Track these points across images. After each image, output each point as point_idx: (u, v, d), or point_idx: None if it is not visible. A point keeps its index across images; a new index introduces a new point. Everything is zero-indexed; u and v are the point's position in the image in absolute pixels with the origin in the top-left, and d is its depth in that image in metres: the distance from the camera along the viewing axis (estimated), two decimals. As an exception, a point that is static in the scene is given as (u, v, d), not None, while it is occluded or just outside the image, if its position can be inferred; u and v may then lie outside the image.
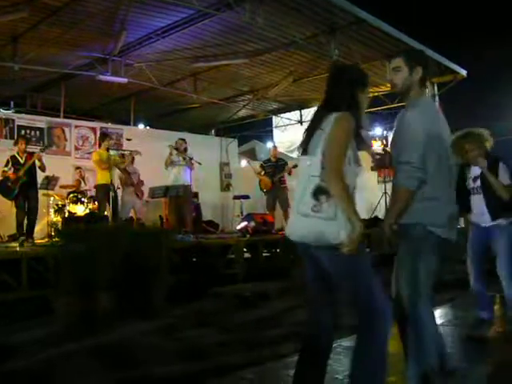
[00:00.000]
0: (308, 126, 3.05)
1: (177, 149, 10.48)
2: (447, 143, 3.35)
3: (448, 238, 3.27)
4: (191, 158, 10.69)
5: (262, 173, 12.10)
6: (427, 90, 15.98)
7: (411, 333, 3.26)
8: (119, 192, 10.95)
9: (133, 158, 11.11)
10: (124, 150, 10.64)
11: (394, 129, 3.53)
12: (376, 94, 15.61)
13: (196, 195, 12.83)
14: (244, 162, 17.60)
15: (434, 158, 3.20)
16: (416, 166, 3.14)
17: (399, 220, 3.26)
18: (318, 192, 2.75)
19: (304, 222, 2.80)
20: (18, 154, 9.60)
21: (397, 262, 3.40)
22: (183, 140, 10.76)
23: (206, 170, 12.51)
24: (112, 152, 10.14)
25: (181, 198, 10.47)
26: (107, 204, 9.75)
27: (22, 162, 9.51)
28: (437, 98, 15.97)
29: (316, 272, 2.96)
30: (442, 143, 3.27)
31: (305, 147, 2.99)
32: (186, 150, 10.67)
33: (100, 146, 10.84)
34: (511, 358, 4.46)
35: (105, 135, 10.77)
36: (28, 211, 9.48)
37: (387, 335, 2.81)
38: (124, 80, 12.57)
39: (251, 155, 18.92)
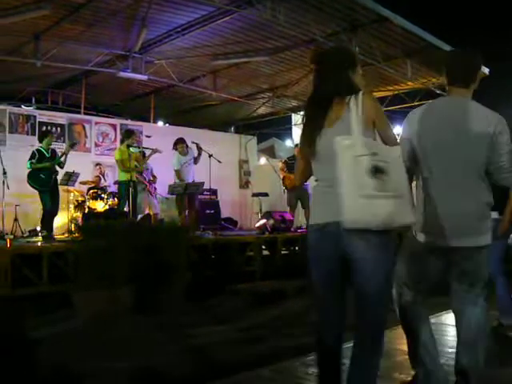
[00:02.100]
0: (314, 116, 2.85)
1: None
2: None
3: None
4: (210, 155, 10.78)
5: (286, 170, 12.06)
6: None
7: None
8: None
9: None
10: (145, 148, 10.65)
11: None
12: (396, 92, 15.52)
13: (215, 192, 12.85)
14: (263, 160, 17.59)
15: None
16: None
17: None
18: (376, 171, 2.56)
19: (368, 204, 2.54)
20: (43, 148, 9.68)
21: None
22: (183, 141, 10.92)
23: (225, 168, 12.51)
24: (132, 149, 10.18)
25: (195, 195, 10.59)
26: (127, 201, 9.81)
27: (47, 155, 9.60)
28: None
29: (337, 266, 2.75)
30: None
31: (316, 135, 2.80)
32: (188, 146, 10.80)
33: (122, 142, 10.82)
34: None
35: (131, 132, 10.70)
36: (52, 206, 9.54)
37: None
38: (144, 77, 12.62)
39: (270, 153, 18.90)
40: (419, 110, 3.35)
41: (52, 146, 9.98)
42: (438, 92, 15.16)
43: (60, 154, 9.82)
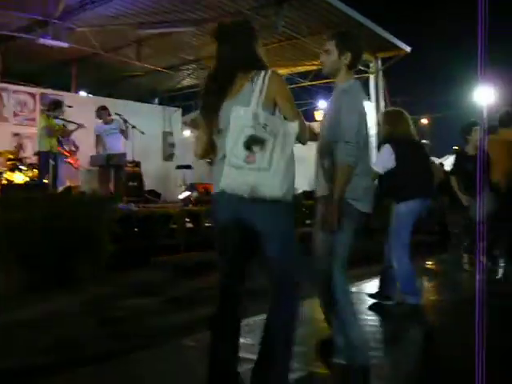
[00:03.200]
0: (218, 89, 2.84)
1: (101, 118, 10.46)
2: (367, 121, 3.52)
3: (365, 211, 3.44)
4: (133, 127, 10.63)
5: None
6: (371, 65, 16.32)
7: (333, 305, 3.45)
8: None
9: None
10: (70, 122, 10.34)
11: (327, 110, 3.64)
12: (321, 66, 15.71)
13: (138, 164, 12.71)
14: (187, 132, 17.49)
15: (363, 136, 3.36)
16: (354, 145, 3.26)
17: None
18: (252, 142, 2.63)
19: (237, 174, 2.65)
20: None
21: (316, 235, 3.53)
22: (103, 108, 10.67)
23: (148, 140, 12.38)
24: (57, 121, 9.89)
25: (120, 167, 10.44)
26: (47, 172, 9.56)
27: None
28: (380, 73, 16.25)
29: (239, 233, 2.83)
30: (366, 122, 3.46)
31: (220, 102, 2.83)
32: (110, 114, 10.60)
33: (49, 112, 10.39)
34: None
35: (58, 104, 10.31)
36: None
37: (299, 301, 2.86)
38: (65, 44, 12.26)
39: (195, 125, 18.79)
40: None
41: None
42: (361, 68, 15.48)
43: None
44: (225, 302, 2.94)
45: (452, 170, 7.09)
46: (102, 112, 10.53)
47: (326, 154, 3.45)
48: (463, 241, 7.06)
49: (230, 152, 2.66)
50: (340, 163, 3.30)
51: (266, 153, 2.65)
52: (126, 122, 10.55)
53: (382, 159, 5.11)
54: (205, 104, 2.92)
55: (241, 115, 2.66)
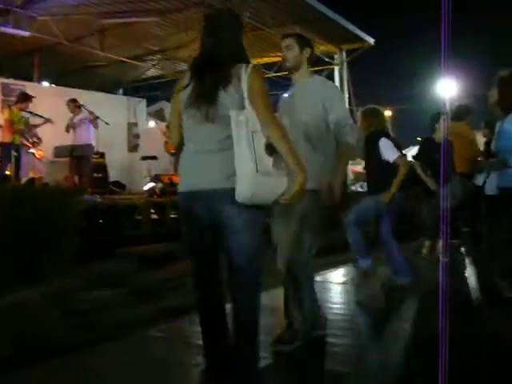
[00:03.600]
0: (204, 78, 2.80)
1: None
2: None
3: None
4: (97, 117, 10.54)
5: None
6: (336, 56, 16.43)
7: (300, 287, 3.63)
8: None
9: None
10: (38, 115, 10.20)
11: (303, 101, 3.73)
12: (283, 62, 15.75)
13: (102, 155, 12.59)
14: (152, 123, 17.38)
15: None
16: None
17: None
18: (272, 148, 2.69)
19: (268, 181, 2.67)
20: None
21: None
22: (73, 100, 10.60)
23: (112, 131, 12.28)
24: (23, 114, 9.77)
25: (84, 158, 10.35)
26: (9, 164, 9.42)
27: None
28: (345, 65, 16.38)
29: (208, 226, 2.81)
30: None
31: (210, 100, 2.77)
32: (80, 107, 10.52)
33: (17, 104, 10.17)
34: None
35: (27, 97, 10.13)
36: None
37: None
38: (26, 33, 12.05)
39: (160, 116, 18.67)
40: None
41: None
42: (326, 60, 15.59)
43: None
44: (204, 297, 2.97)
45: (416, 155, 7.20)
46: (69, 103, 10.48)
47: (320, 139, 3.63)
48: (428, 227, 7.17)
49: (250, 159, 2.60)
50: (352, 146, 3.68)
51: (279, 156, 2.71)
52: (92, 113, 10.51)
53: (391, 150, 5.33)
54: (193, 90, 2.82)
55: (242, 120, 2.64)
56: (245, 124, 2.63)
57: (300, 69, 3.82)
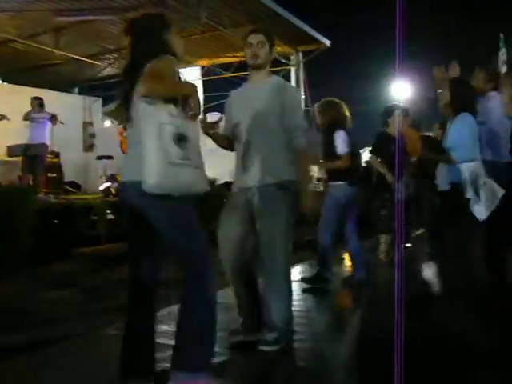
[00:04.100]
0: (129, 80, 2.85)
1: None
2: None
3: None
4: (54, 116, 10.41)
5: (125, 134, 11.88)
6: (292, 57, 16.54)
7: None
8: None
9: None
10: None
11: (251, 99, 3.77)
12: (243, 59, 15.76)
13: (57, 155, 12.41)
14: (108, 122, 17.21)
15: None
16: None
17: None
18: (180, 139, 2.73)
19: (175, 172, 2.69)
20: None
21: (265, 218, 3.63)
22: (38, 98, 10.45)
23: (68, 130, 12.11)
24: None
25: (38, 158, 10.21)
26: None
27: None
28: (301, 66, 16.50)
29: (142, 222, 2.85)
30: None
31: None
32: (42, 106, 10.37)
33: None
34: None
35: None
36: None
37: (215, 285, 2.90)
38: (-23, 29, 11.81)
39: (115, 116, 18.49)
40: None
41: None
42: (283, 60, 15.66)
43: None
44: (136, 292, 2.97)
45: (372, 149, 7.23)
46: (33, 100, 10.34)
47: (272, 141, 3.65)
48: (384, 222, 7.23)
49: (156, 150, 2.64)
50: (304, 149, 3.67)
51: (191, 148, 2.74)
52: (53, 116, 10.39)
53: (342, 144, 5.45)
54: (120, 94, 2.94)
55: (151, 111, 2.68)
56: (152, 115, 2.68)
57: (265, 68, 3.80)
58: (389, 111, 6.95)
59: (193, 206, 2.87)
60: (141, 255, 2.94)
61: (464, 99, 4.90)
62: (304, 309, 4.98)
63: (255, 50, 3.71)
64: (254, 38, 3.72)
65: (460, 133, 4.82)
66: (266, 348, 3.57)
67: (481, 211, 4.82)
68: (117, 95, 2.99)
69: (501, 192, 4.72)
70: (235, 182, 3.86)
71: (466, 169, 4.94)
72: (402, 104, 7.92)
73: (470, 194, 4.92)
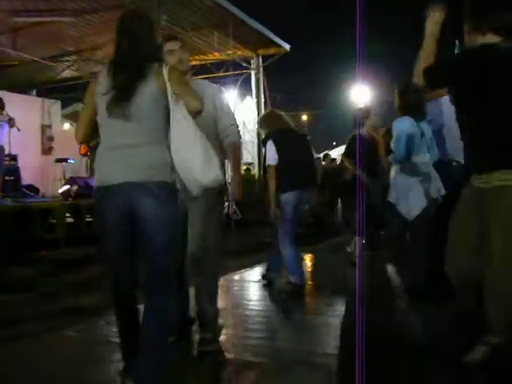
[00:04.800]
0: (123, 78, 2.85)
1: None
2: None
3: None
4: (11, 118, 10.25)
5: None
6: (252, 61, 16.62)
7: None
8: None
9: None
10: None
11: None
12: (203, 62, 15.82)
13: (15, 158, 12.22)
14: (67, 125, 17.02)
15: None
16: None
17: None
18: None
19: (215, 166, 2.84)
20: None
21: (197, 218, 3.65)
22: None
23: (26, 133, 11.93)
24: None
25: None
26: None
27: None
28: (261, 70, 16.58)
29: (126, 224, 2.84)
30: None
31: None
32: (2, 107, 10.20)
33: None
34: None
35: None
36: None
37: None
38: None
39: (75, 118, 18.29)
40: None
41: None
42: (243, 64, 15.73)
43: None
44: (120, 293, 2.98)
45: (346, 151, 7.20)
46: None
47: (216, 137, 3.69)
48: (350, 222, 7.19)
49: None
50: (238, 144, 3.79)
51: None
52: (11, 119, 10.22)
53: (272, 153, 5.44)
54: (110, 92, 2.84)
55: (183, 116, 2.79)
56: (185, 119, 2.81)
57: (188, 73, 3.91)
58: (365, 111, 7.05)
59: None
60: (123, 257, 2.93)
61: (408, 105, 5.10)
62: (263, 308, 5.04)
63: (180, 55, 3.74)
64: (175, 44, 3.77)
65: (395, 137, 5.08)
66: (206, 348, 3.62)
67: (407, 211, 5.03)
68: (116, 85, 2.90)
69: (438, 191, 4.92)
70: None
71: (393, 171, 5.19)
72: (365, 106, 8.02)
73: (391, 197, 5.13)
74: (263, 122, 5.91)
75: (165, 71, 2.80)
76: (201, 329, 3.72)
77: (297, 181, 5.44)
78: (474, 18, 3.11)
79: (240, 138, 3.84)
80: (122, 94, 2.81)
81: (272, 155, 5.45)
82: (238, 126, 3.80)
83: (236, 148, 3.78)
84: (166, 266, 2.84)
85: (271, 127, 5.69)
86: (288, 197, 5.39)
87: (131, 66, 2.84)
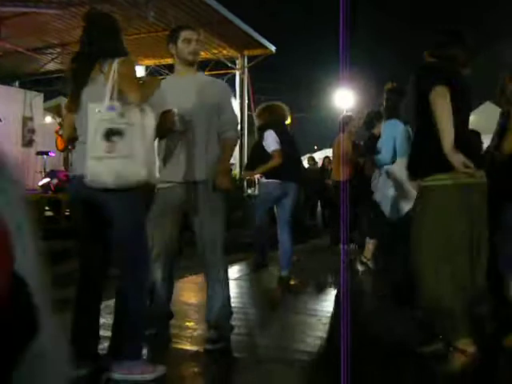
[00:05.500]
0: (81, 73, 3.02)
1: None
2: None
3: None
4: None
5: (61, 132, 11.70)
6: (237, 61, 16.63)
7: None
8: None
9: None
10: None
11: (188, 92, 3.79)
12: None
13: (-5, 149, 12.08)
14: (49, 118, 16.87)
15: None
16: None
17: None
18: (110, 134, 2.81)
19: (100, 164, 2.81)
20: None
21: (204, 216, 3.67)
22: None
23: (6, 124, 11.84)
24: None
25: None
26: None
27: None
28: (246, 70, 16.59)
29: (96, 218, 3.01)
30: None
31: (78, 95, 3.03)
32: None
33: None
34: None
35: None
36: None
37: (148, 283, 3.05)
38: None
39: (57, 111, 18.14)
40: None
41: None
42: (228, 64, 15.72)
43: None
44: (85, 284, 3.00)
45: (364, 152, 7.08)
46: None
47: (212, 134, 3.71)
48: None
49: (91, 145, 2.83)
50: (235, 138, 3.83)
51: (127, 141, 2.82)
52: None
53: (272, 142, 5.57)
54: (71, 86, 3.05)
55: (96, 112, 2.85)
56: (98, 113, 2.86)
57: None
58: (374, 115, 7.07)
59: (143, 203, 2.95)
60: (92, 249, 3.03)
61: (393, 107, 5.19)
62: (241, 305, 5.06)
63: (194, 47, 3.82)
64: (193, 34, 3.82)
65: (382, 139, 5.21)
66: (210, 346, 3.63)
67: (387, 210, 5.17)
68: (66, 86, 3.06)
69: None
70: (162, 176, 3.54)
71: (377, 172, 5.33)
72: (349, 112, 8.13)
73: (377, 196, 5.28)
74: (265, 111, 6.00)
75: (115, 65, 2.89)
76: (209, 327, 3.75)
77: (281, 172, 5.62)
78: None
79: (238, 135, 3.90)
80: (75, 90, 3.02)
81: (276, 141, 5.64)
82: (237, 124, 3.88)
83: (232, 142, 3.81)
84: (133, 261, 2.94)
85: (273, 116, 5.85)
86: (268, 184, 5.59)
87: (85, 63, 3.01)
